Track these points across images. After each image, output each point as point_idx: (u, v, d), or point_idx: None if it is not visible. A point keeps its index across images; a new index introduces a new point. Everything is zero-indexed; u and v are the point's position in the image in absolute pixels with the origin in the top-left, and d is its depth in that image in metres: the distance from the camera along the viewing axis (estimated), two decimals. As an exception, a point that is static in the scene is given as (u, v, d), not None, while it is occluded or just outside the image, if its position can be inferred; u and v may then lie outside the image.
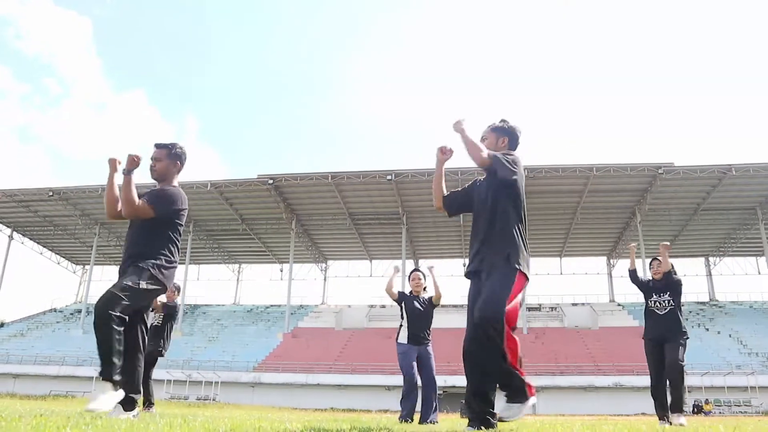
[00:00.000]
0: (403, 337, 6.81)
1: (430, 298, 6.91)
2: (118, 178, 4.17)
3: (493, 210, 3.52)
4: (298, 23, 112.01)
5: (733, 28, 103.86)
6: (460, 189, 3.89)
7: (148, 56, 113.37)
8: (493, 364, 3.21)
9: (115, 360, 3.72)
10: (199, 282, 56.74)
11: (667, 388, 6.34)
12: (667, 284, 6.74)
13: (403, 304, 6.95)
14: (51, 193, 40.72)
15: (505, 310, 3.19)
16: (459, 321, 41.82)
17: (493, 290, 3.25)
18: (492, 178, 3.54)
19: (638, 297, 43.32)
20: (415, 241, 47.40)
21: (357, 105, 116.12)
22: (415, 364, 6.62)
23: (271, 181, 38.17)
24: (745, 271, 50.17)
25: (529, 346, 38.53)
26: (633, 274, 7.06)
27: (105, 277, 57.17)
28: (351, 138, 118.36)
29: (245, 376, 35.88)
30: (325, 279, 54.37)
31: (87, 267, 52.90)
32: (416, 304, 6.86)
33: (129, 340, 3.91)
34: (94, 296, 51.88)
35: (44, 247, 51.70)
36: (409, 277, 7.19)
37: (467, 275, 3.60)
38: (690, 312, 44.39)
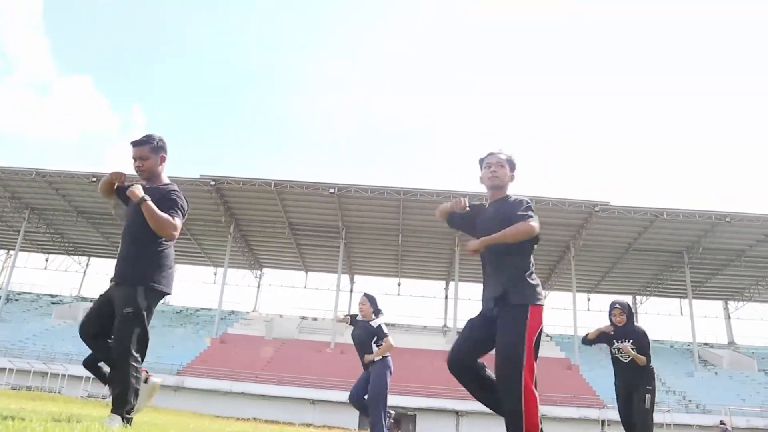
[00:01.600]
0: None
1: (378, 330, 6.69)
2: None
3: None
4: (255, 23, 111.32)
5: (676, 69, 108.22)
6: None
7: (100, 42, 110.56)
8: None
9: None
10: (128, 279, 55.12)
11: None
12: (629, 332, 6.52)
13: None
14: (-21, 173, 39.10)
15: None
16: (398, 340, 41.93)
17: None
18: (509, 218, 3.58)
19: (567, 329, 44.12)
20: (353, 256, 47.38)
21: (307, 114, 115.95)
22: (360, 389, 6.60)
23: (213, 183, 37.59)
24: (669, 312, 52.09)
25: (450, 376, 38.82)
26: (585, 340, 6.78)
27: (30, 264, 55.14)
28: (296, 147, 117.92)
29: (169, 379, 34.93)
30: (258, 286, 53.76)
31: (11, 252, 50.82)
32: (356, 329, 6.76)
33: None
34: (16, 283, 49.96)
35: (-33, 228, 49.51)
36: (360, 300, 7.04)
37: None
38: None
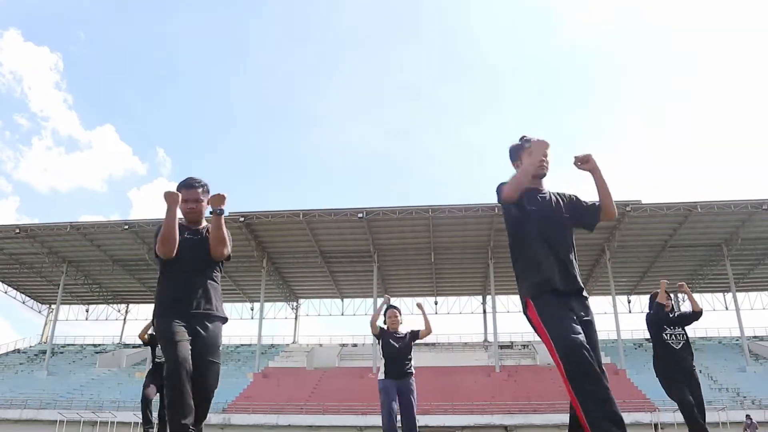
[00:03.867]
0: (382, 373, 6.87)
1: (411, 332, 6.99)
2: (179, 213, 3.85)
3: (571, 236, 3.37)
4: (271, 59, 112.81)
5: (697, 67, 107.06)
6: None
7: (119, 92, 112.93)
8: None
9: None
10: (168, 322, 55.72)
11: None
12: (679, 317, 6.48)
13: (380, 341, 6.99)
14: (17, 231, 39.91)
15: None
16: (431, 360, 41.76)
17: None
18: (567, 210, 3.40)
19: (608, 333, 43.43)
20: (387, 279, 47.28)
21: (330, 141, 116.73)
22: (394, 400, 6.64)
23: (242, 219, 37.93)
24: (713, 307, 50.91)
25: (502, 385, 38.44)
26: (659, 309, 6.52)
27: (71, 316, 56.07)
28: (323, 175, 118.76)
29: (214, 417, 35.07)
30: (296, 318, 53.88)
31: (53, 306, 51.72)
32: (392, 340, 6.89)
33: None
34: (60, 336, 50.81)
35: (9, 285, 50.50)
36: (385, 314, 7.16)
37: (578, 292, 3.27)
38: (660, 348, 44.73)
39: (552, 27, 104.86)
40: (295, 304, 53.69)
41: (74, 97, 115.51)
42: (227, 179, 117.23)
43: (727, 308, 49.97)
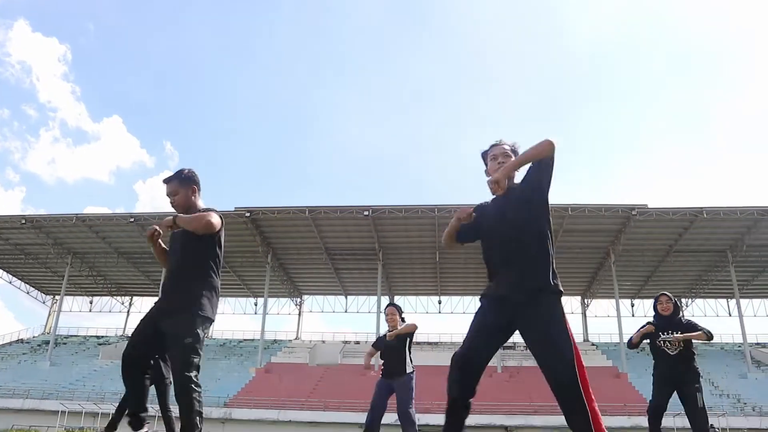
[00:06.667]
0: (379, 372, 6.91)
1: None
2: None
3: (525, 230, 3.17)
4: (280, 58, 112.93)
5: (704, 72, 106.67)
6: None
7: (127, 84, 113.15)
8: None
9: None
10: (171, 315, 55.88)
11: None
12: (675, 323, 6.18)
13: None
14: (24, 221, 40.13)
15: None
16: (433, 358, 41.70)
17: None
18: (522, 192, 3.17)
19: (612, 336, 43.30)
20: (391, 277, 47.33)
21: (337, 139, 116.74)
22: (380, 396, 6.80)
23: (248, 214, 38.00)
24: (716, 313, 50.81)
25: (504, 385, 38.45)
26: (630, 344, 6.51)
27: (75, 307, 56.32)
28: (329, 172, 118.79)
29: (216, 411, 35.16)
30: (299, 314, 53.97)
31: (57, 297, 51.92)
32: (386, 339, 6.85)
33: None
34: (63, 327, 51.04)
35: (14, 276, 50.75)
36: (385, 311, 7.15)
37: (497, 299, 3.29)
38: (662, 353, 44.67)
39: (558, 33, 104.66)
40: (298, 300, 53.75)
41: (82, 88, 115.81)
42: (234, 174, 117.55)
43: (730, 314, 49.92)
